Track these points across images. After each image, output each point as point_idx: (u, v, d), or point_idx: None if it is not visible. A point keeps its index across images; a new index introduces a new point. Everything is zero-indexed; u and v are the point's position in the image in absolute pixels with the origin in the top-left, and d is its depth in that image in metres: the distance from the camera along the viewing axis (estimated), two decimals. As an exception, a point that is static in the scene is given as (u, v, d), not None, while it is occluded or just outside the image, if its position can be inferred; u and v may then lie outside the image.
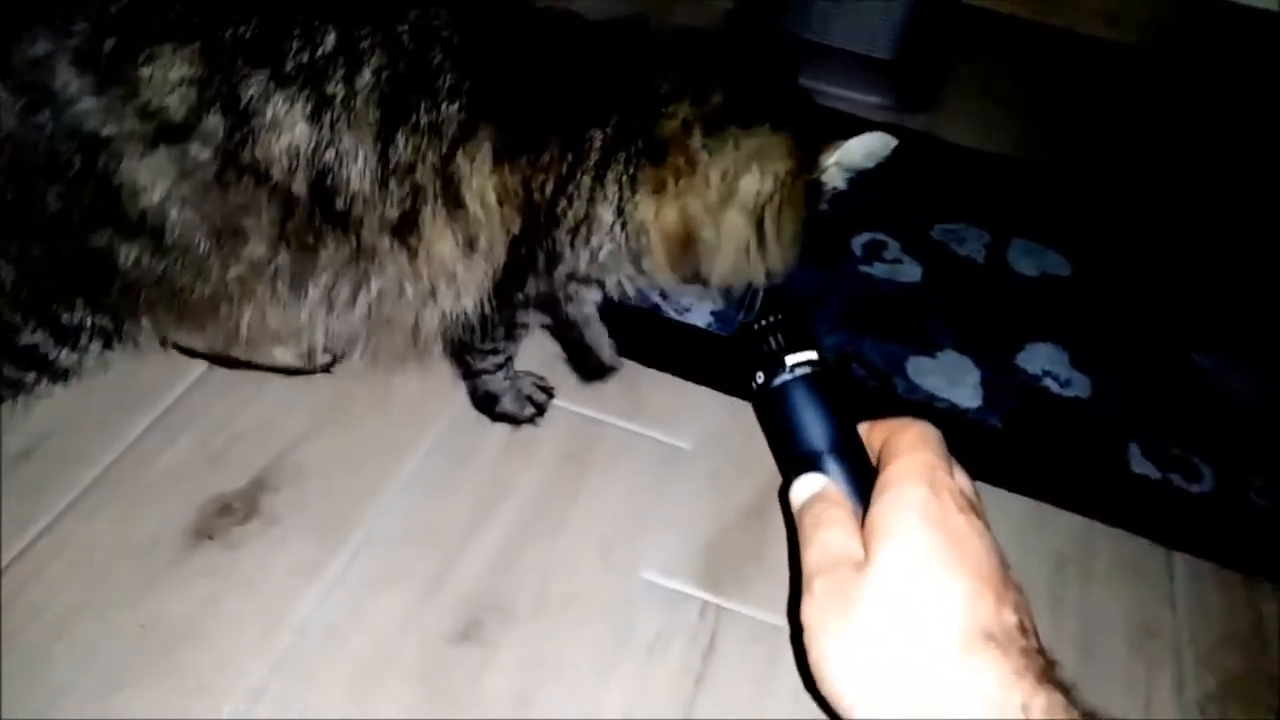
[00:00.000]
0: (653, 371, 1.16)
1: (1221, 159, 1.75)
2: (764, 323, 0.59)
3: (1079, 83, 1.93)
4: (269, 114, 0.76)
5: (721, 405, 1.13)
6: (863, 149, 0.86)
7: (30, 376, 0.89)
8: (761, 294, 0.96)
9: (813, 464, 0.56)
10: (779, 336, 0.58)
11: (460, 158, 0.82)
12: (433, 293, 0.89)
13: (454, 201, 0.83)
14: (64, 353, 0.87)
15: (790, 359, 0.57)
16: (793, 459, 0.57)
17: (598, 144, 0.85)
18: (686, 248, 0.90)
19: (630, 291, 0.98)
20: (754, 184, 0.86)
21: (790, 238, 0.90)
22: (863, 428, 0.59)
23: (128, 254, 0.80)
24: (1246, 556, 1.07)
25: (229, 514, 0.93)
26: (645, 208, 0.87)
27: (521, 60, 0.85)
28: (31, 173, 0.76)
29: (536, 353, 1.12)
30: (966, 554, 0.49)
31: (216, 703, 0.80)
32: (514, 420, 1.06)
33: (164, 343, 0.96)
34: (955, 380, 1.20)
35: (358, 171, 0.80)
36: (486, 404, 1.06)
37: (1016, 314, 1.31)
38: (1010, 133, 1.72)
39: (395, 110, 0.79)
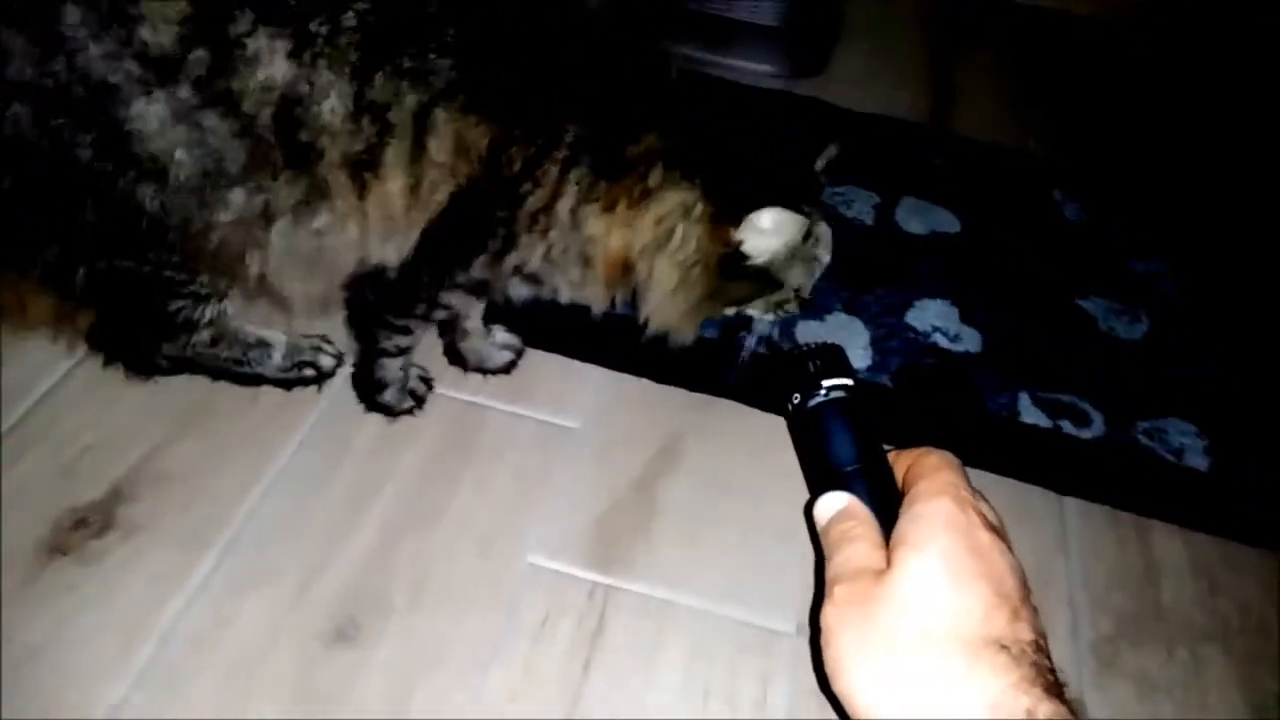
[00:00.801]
0: (539, 352, 1.13)
1: (1103, 113, 1.76)
2: (804, 348, 0.64)
3: (969, 42, 1.93)
4: (251, 48, 0.78)
5: (609, 382, 1.11)
6: (769, 223, 0.86)
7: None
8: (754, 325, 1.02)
9: (840, 482, 0.58)
10: (817, 361, 0.62)
11: (440, 108, 0.83)
12: (364, 232, 0.89)
13: (418, 143, 0.84)
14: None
15: (827, 382, 0.61)
16: (821, 476, 0.60)
17: (570, 139, 0.85)
18: (624, 275, 0.91)
19: (563, 299, 0.97)
20: (679, 238, 0.88)
21: (698, 298, 0.91)
22: (889, 455, 0.61)
23: (145, 196, 0.82)
24: (1137, 497, 1.08)
25: (84, 527, 0.89)
26: (595, 223, 0.88)
27: (521, 36, 0.86)
28: (61, 123, 0.78)
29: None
30: (988, 567, 0.50)
31: (71, 724, 0.76)
32: (390, 412, 1.03)
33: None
34: (845, 342, 1.15)
35: (329, 106, 0.81)
36: (368, 390, 1.03)
37: (906, 273, 1.31)
38: (900, 95, 1.72)
39: (377, 52, 0.81)
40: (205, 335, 0.97)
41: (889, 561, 0.52)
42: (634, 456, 1.04)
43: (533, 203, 0.87)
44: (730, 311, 0.96)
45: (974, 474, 1.02)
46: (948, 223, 1.41)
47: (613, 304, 0.96)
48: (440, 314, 1.00)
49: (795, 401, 0.62)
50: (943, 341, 1.22)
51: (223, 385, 1.02)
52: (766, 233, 0.87)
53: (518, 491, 0.99)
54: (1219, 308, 1.35)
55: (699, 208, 0.86)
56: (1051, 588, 0.98)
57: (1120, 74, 1.88)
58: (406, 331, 0.98)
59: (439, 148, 0.85)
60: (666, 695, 0.85)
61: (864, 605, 0.50)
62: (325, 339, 1.07)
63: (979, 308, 1.26)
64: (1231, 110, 1.76)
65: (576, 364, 1.13)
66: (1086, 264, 1.39)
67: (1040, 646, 0.48)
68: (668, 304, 0.92)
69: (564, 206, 0.87)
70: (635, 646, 0.88)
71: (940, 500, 0.53)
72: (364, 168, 0.85)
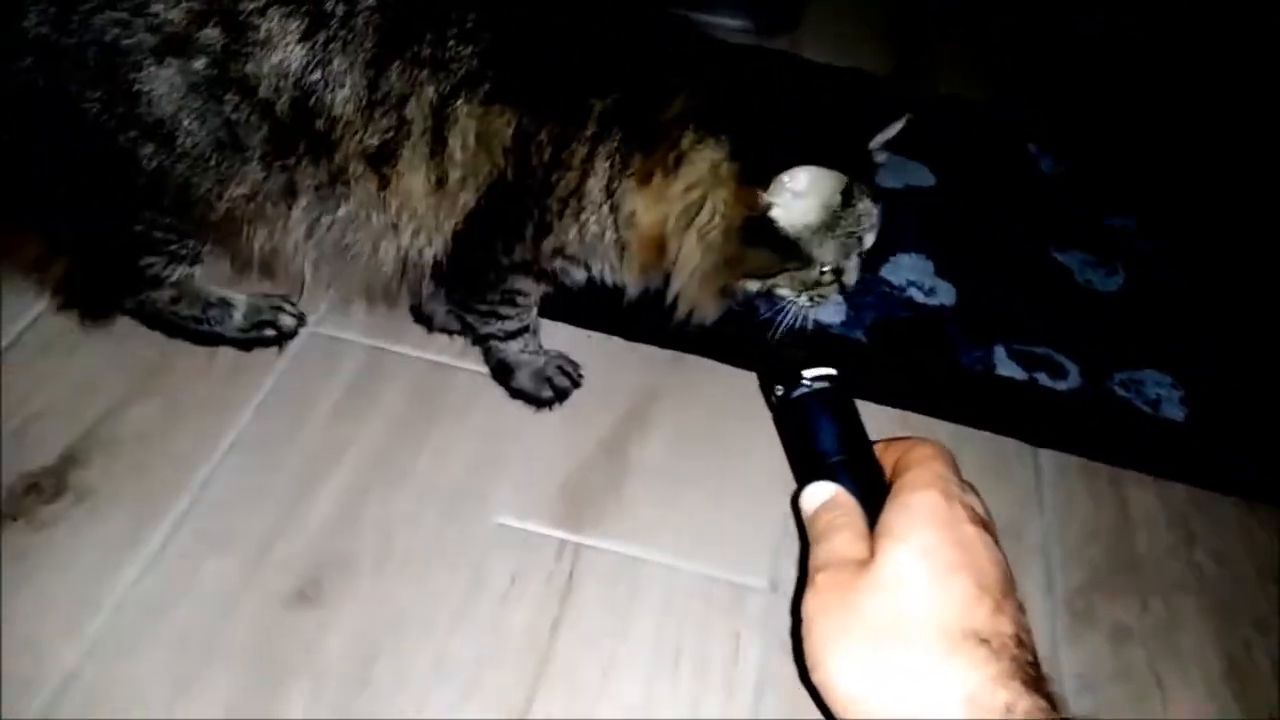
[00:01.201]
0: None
1: (1076, 68, 1.74)
2: (786, 338, 0.65)
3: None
4: (264, 29, 0.77)
5: (578, 340, 1.09)
6: (802, 184, 0.80)
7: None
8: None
9: (826, 473, 0.58)
10: (800, 352, 0.63)
11: (461, 100, 0.81)
12: (394, 226, 0.87)
13: (438, 138, 0.82)
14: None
15: (809, 373, 0.61)
16: (807, 467, 0.60)
17: (595, 114, 0.82)
18: (659, 256, 0.87)
19: (608, 281, 0.94)
20: (707, 206, 0.83)
21: (714, 265, 0.85)
22: (876, 447, 0.61)
23: (145, 154, 0.81)
24: (1113, 449, 1.07)
25: (35, 493, 0.86)
26: (633, 198, 0.84)
27: (539, 17, 0.83)
28: (70, 77, 0.78)
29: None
30: (971, 560, 0.50)
31: (22, 693, 0.74)
32: (530, 399, 1.01)
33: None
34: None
35: (343, 96, 0.79)
36: (501, 374, 1.02)
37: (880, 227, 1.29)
38: (873, 50, 1.69)
39: (394, 40, 0.79)
40: (167, 294, 0.95)
41: (872, 551, 0.51)
42: (604, 415, 1.03)
43: (563, 188, 0.84)
44: (754, 287, 0.89)
45: (949, 427, 1.05)
46: (922, 177, 1.39)
47: (648, 290, 0.93)
48: (522, 299, 0.95)
49: (779, 393, 0.62)
50: (918, 295, 1.20)
51: (179, 348, 0.99)
52: (799, 195, 0.81)
53: (485, 453, 0.97)
54: (1196, 262, 1.34)
55: (725, 167, 0.82)
56: (1025, 540, 0.97)
57: (1092, 28, 1.86)
58: (494, 316, 0.96)
59: (460, 143, 0.82)
60: (637, 652, 0.84)
61: (845, 594, 0.50)
62: (287, 299, 1.04)
63: (954, 261, 1.25)
64: (1204, 66, 1.74)
65: (545, 322, 1.09)
66: (1062, 218, 1.37)
67: (1022, 641, 0.48)
68: (692, 277, 0.87)
69: (596, 185, 0.84)
70: (605, 604, 0.87)
71: (927, 492, 0.52)
72: (382, 160, 0.82)
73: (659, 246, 0.86)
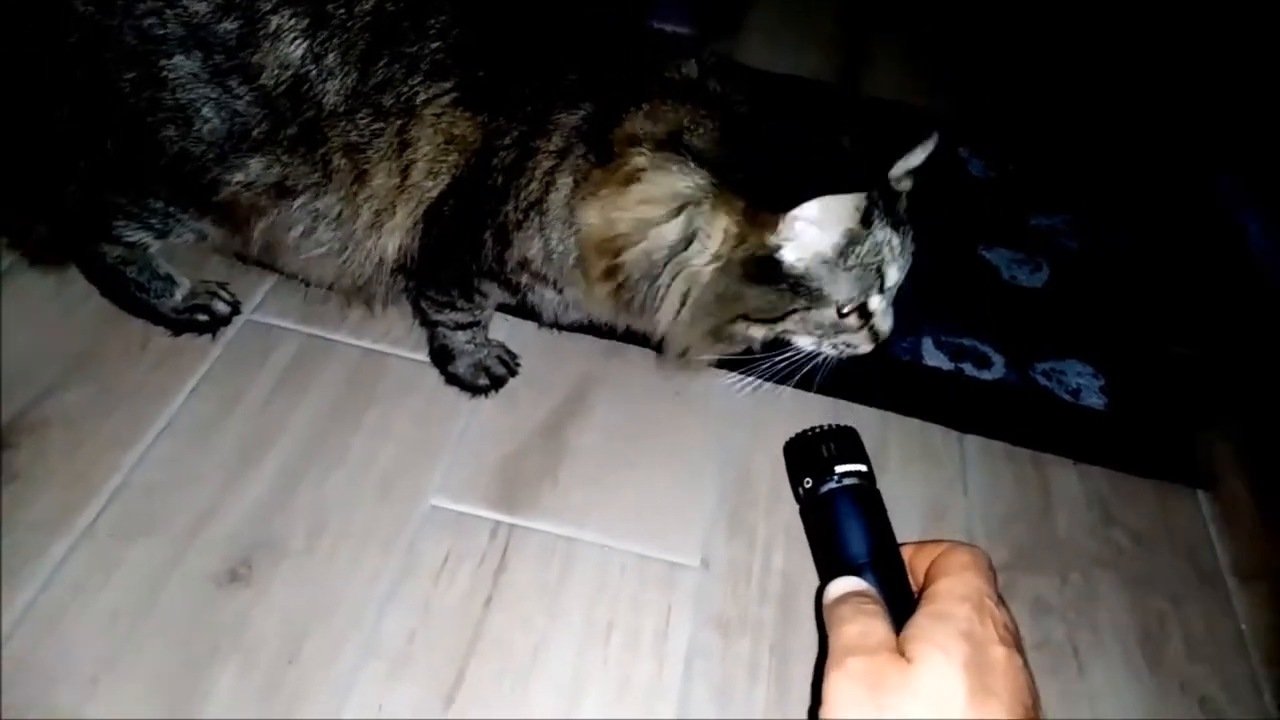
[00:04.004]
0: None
1: (1009, 73, 1.80)
2: (818, 430, 0.63)
3: (879, 4, 1.95)
4: (273, 24, 0.80)
5: (517, 328, 1.10)
6: (814, 213, 0.73)
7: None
8: None
9: (854, 574, 0.58)
10: (831, 446, 0.62)
11: (421, 94, 0.81)
12: (369, 224, 0.87)
13: (405, 133, 0.83)
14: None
15: (840, 468, 0.60)
16: (834, 564, 0.59)
17: (561, 128, 0.81)
18: (612, 272, 0.81)
19: (581, 308, 0.92)
20: (682, 233, 0.77)
21: (705, 304, 0.79)
22: (907, 550, 0.60)
23: (167, 138, 0.84)
24: (1035, 435, 1.10)
25: (-41, 475, 0.85)
26: (585, 211, 0.79)
27: (513, 24, 0.84)
28: (109, 57, 0.81)
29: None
30: (1005, 681, 0.50)
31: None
32: (465, 387, 1.02)
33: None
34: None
35: (334, 88, 0.81)
36: (440, 359, 1.03)
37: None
38: (811, 57, 1.73)
39: (383, 38, 0.81)
40: (118, 250, 0.95)
41: (905, 654, 0.51)
42: (542, 401, 1.04)
43: (524, 197, 0.82)
44: (759, 333, 0.82)
45: (877, 414, 1.07)
46: (856, 177, 1.42)
47: (625, 316, 0.87)
48: (480, 298, 0.94)
49: (808, 485, 0.62)
50: (849, 289, 1.23)
51: (112, 332, 0.99)
52: (810, 223, 0.74)
53: (421, 437, 0.98)
54: (1118, 259, 1.38)
55: (711, 198, 0.75)
56: (950, 521, 1.00)
57: (1026, 35, 1.92)
58: (450, 307, 0.96)
59: (425, 141, 0.82)
60: (569, 628, 0.85)
61: (878, 687, 0.49)
62: (222, 285, 1.04)
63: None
64: (1128, 74, 1.80)
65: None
66: (991, 218, 1.41)
67: None
68: (678, 316, 0.81)
69: (558, 199, 0.81)
70: (538, 583, 0.88)
71: (964, 607, 0.52)
72: (359, 155, 0.84)
73: (610, 256, 0.80)
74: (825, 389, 1.07)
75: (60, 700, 0.75)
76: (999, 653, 0.51)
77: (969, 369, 1.16)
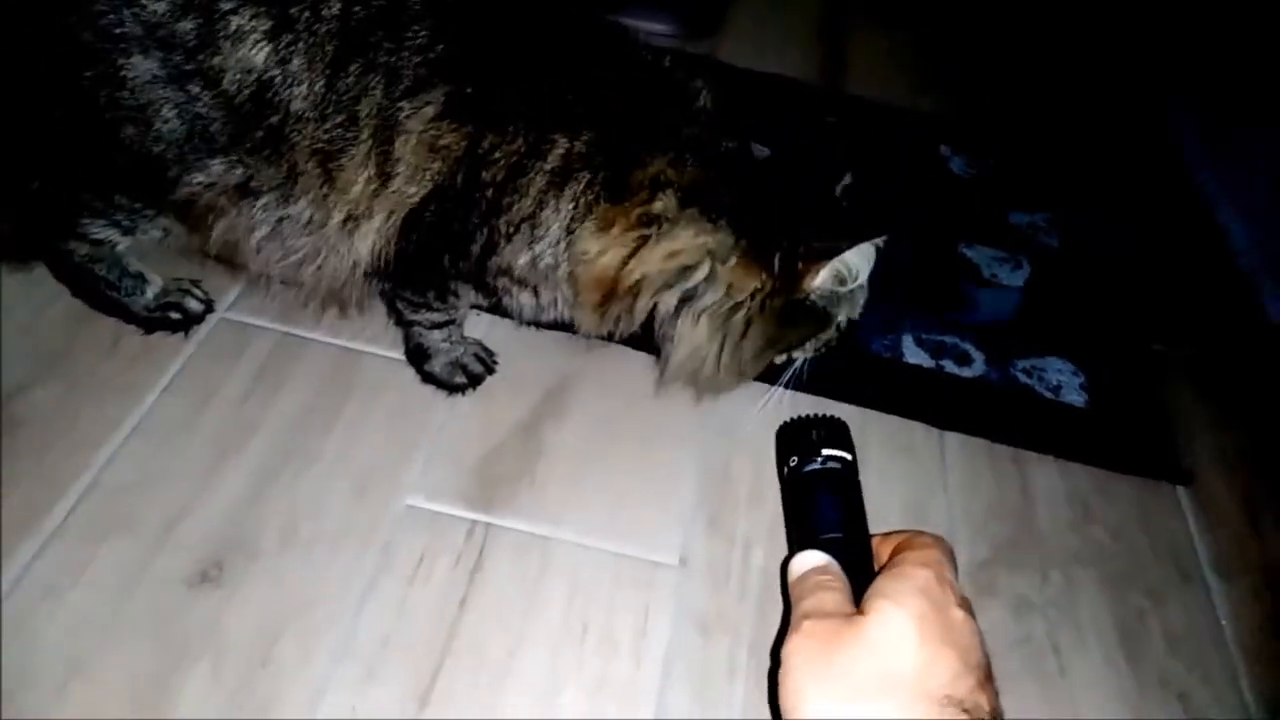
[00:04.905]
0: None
1: (992, 71, 1.80)
2: (811, 417, 0.68)
3: (861, 3, 1.95)
4: (234, 24, 0.78)
5: (494, 326, 1.09)
6: (855, 263, 0.82)
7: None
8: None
9: (820, 547, 0.61)
10: (821, 431, 0.66)
11: (406, 105, 0.80)
12: (340, 228, 0.86)
13: (385, 142, 0.81)
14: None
15: (826, 451, 0.65)
16: (803, 539, 0.62)
17: (560, 151, 0.80)
18: (610, 301, 0.85)
19: (563, 316, 0.92)
20: (705, 281, 0.82)
21: (756, 349, 0.86)
22: (874, 539, 0.63)
23: (127, 135, 0.82)
24: (1015, 432, 1.10)
25: (-75, 477, 0.84)
26: (588, 240, 0.81)
27: (500, 35, 0.83)
28: (69, 53, 0.80)
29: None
30: (959, 638, 0.52)
31: (-94, 674, 0.72)
32: (442, 385, 1.01)
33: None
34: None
35: (300, 93, 0.80)
36: (416, 357, 1.02)
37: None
38: (794, 56, 1.73)
39: (353, 44, 0.80)
40: (85, 248, 0.94)
41: (862, 611, 0.53)
42: (519, 400, 1.03)
43: (515, 212, 0.82)
44: (781, 359, 0.92)
45: (857, 412, 1.07)
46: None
47: (610, 335, 0.91)
48: (454, 299, 0.95)
49: (791, 464, 0.65)
50: (830, 286, 1.22)
51: (83, 331, 0.98)
52: (852, 273, 0.82)
53: (396, 436, 0.97)
54: (1099, 257, 1.39)
55: (736, 253, 0.80)
56: (930, 518, 0.99)
57: (1007, 34, 1.92)
58: (425, 308, 0.95)
59: (407, 149, 0.81)
60: (546, 628, 0.84)
61: (831, 643, 0.52)
62: (195, 283, 1.03)
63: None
64: (1110, 75, 1.81)
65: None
66: (971, 216, 1.41)
67: (996, 717, 0.51)
68: (707, 357, 0.85)
69: (556, 221, 0.82)
70: (515, 582, 0.87)
71: (923, 570, 0.55)
72: (330, 161, 0.82)
73: (611, 289, 0.83)
74: (806, 387, 1.07)
75: (30, 701, 0.73)
76: (956, 615, 0.53)
77: (949, 366, 1.16)
